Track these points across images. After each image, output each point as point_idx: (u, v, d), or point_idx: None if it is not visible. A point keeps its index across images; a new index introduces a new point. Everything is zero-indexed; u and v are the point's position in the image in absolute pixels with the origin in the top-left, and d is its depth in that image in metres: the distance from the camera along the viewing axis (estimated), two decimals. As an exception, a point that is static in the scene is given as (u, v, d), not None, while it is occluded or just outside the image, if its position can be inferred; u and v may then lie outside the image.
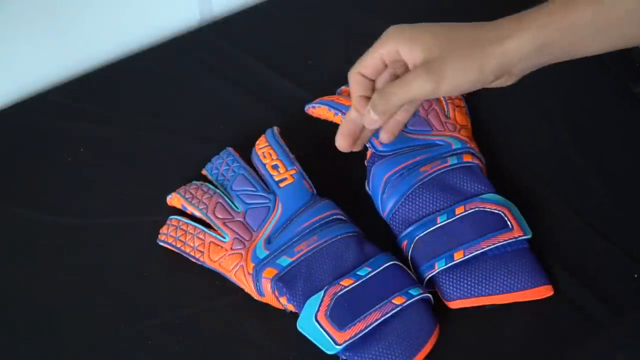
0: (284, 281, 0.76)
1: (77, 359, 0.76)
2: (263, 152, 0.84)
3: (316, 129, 0.89)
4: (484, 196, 0.80)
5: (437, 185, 0.81)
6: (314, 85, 0.92)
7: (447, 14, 0.99)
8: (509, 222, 0.78)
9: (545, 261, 0.79)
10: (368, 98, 0.73)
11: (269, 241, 0.78)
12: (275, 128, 0.86)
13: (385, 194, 0.82)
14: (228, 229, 0.80)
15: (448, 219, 0.79)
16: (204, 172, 0.86)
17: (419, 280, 0.77)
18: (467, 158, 0.83)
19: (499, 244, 0.77)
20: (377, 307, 0.74)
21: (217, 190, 0.83)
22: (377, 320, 0.73)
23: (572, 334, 0.76)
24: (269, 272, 0.76)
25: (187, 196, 0.82)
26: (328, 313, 0.73)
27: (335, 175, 0.86)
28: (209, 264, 0.79)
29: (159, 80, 0.97)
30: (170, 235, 0.81)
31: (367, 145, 0.84)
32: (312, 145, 0.88)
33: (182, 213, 0.82)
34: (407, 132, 0.85)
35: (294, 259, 0.77)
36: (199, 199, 0.82)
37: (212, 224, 0.80)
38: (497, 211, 0.79)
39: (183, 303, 0.79)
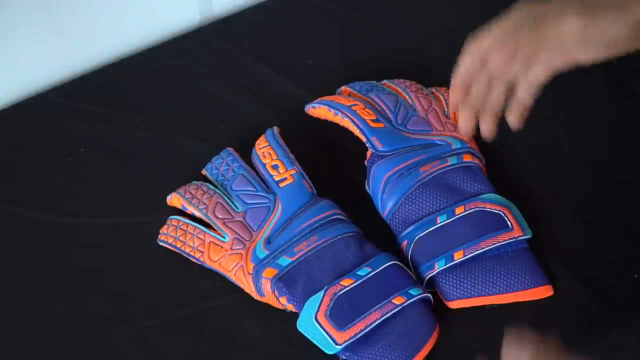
0: (284, 281, 0.76)
1: (77, 359, 0.76)
2: (263, 152, 0.84)
3: (316, 129, 0.88)
4: (483, 196, 0.80)
5: (437, 185, 0.81)
6: (314, 85, 0.92)
7: (450, 12, 1.00)
8: (509, 222, 0.78)
9: (545, 261, 0.79)
10: None
11: (269, 241, 0.78)
12: (275, 128, 0.86)
13: (385, 194, 0.82)
14: (228, 229, 0.79)
15: (448, 219, 0.79)
16: (204, 172, 0.86)
17: (419, 280, 0.77)
18: (467, 158, 0.83)
19: (499, 244, 0.77)
20: (377, 307, 0.74)
21: (217, 190, 0.82)
22: (377, 320, 0.73)
23: (572, 334, 0.76)
24: (269, 272, 0.76)
25: (187, 196, 0.82)
26: (328, 313, 0.73)
27: (335, 175, 0.86)
28: (209, 264, 0.79)
29: (159, 80, 0.97)
30: (170, 235, 0.81)
31: (367, 145, 0.84)
32: (312, 145, 0.88)
33: (182, 213, 0.82)
34: (407, 132, 0.85)
35: (294, 259, 0.77)
36: (199, 199, 0.82)
37: (212, 224, 0.80)
38: (497, 211, 0.79)
39: (183, 303, 0.79)
